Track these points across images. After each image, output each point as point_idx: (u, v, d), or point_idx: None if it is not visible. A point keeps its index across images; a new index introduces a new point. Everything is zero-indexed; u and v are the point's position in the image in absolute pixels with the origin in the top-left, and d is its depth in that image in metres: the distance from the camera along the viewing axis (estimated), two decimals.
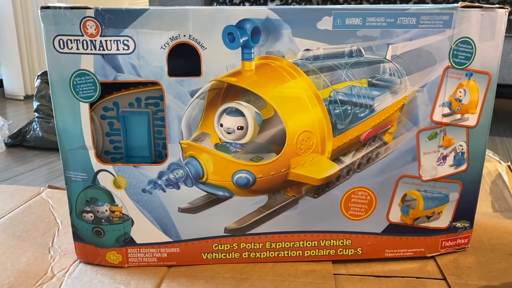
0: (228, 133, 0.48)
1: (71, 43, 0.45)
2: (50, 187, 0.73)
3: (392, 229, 0.55)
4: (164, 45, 0.45)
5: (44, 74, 1.04)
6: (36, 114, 1.01)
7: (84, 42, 0.45)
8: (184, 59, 0.46)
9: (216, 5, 1.40)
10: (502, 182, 0.77)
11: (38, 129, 0.99)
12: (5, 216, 0.63)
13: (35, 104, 1.02)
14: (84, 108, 0.47)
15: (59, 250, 0.56)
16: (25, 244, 0.57)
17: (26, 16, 1.67)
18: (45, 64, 1.69)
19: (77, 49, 0.46)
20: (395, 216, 0.54)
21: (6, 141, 1.03)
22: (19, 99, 1.70)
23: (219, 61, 0.46)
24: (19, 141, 1.02)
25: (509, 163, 0.80)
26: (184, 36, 0.45)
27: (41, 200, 0.69)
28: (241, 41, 0.45)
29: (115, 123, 0.50)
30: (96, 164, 0.49)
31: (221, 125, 0.48)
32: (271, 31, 0.46)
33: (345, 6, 0.47)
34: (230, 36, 0.45)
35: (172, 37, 0.45)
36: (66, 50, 0.46)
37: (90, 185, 0.50)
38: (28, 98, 1.72)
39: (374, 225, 0.54)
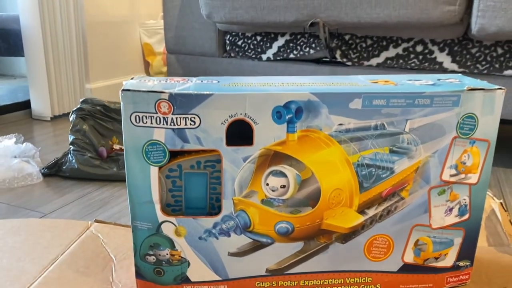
0: (273, 190, 0.58)
1: (146, 118, 0.55)
2: (97, 221, 0.81)
3: (406, 268, 0.64)
4: (224, 121, 0.55)
5: (79, 110, 1.13)
6: (72, 147, 1.09)
7: (158, 118, 0.54)
8: (239, 132, 0.56)
9: (230, 46, 1.49)
10: (495, 218, 0.87)
11: (74, 161, 1.08)
12: (66, 252, 0.72)
13: (70, 138, 1.10)
14: (154, 170, 0.57)
15: (119, 285, 0.65)
16: (90, 280, 0.65)
17: (55, 35, 1.72)
18: (75, 94, 1.76)
19: (151, 123, 0.55)
20: (409, 257, 0.64)
21: (42, 171, 1.11)
22: (46, 119, 1.76)
23: (268, 134, 0.56)
24: (55, 171, 1.11)
25: (501, 201, 0.91)
26: (241, 114, 0.55)
27: (92, 235, 0.77)
28: (287, 118, 0.55)
29: (177, 181, 0.59)
30: (161, 216, 0.58)
31: (267, 184, 0.58)
32: (311, 110, 0.55)
33: (373, 89, 0.57)
34: (278, 114, 0.55)
35: (231, 114, 0.55)
36: (141, 124, 0.55)
37: (154, 233, 0.59)
38: (55, 118, 1.79)
39: (391, 265, 0.64)
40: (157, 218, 0.59)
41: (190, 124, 0.55)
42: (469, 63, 1.21)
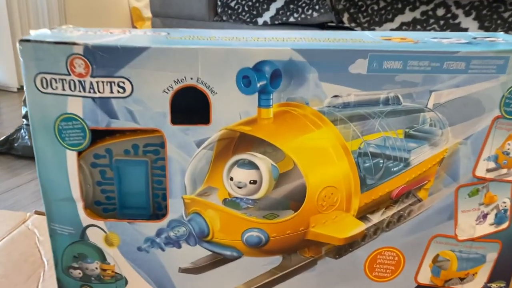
0: (239, 187, 0.42)
1: (56, 82, 0.38)
2: (37, 212, 0.66)
3: None
4: (167, 89, 0.38)
5: None
6: (25, 121, 0.93)
7: (71, 82, 0.38)
8: (190, 105, 0.39)
9: (222, 8, 1.31)
10: None
11: (26, 137, 0.92)
12: None
13: (24, 110, 0.94)
14: (71, 156, 0.40)
15: None
16: None
17: (21, 2, 1.56)
18: None
19: (63, 89, 0.38)
20: (425, 277, 0.48)
21: None
22: (12, 91, 1.61)
23: (231, 108, 0.39)
24: (6, 149, 0.95)
25: None
26: (191, 79, 0.38)
27: (26, 230, 0.62)
28: (258, 85, 0.38)
29: (107, 172, 0.43)
30: (85, 219, 0.42)
31: (231, 179, 0.41)
32: (294, 74, 0.38)
33: (384, 46, 0.40)
34: (245, 79, 0.38)
35: (177, 79, 0.38)
36: (49, 90, 0.38)
37: (78, 240, 0.43)
38: (22, 89, 1.64)
39: (401, 287, 0.48)
40: (81, 221, 0.43)
41: (118, 91, 0.38)
42: (500, 30, 1.03)
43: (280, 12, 1.22)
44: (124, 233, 0.43)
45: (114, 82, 0.38)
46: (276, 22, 1.24)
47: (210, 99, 0.39)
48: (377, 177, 0.43)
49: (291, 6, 1.20)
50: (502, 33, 0.50)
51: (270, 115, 0.40)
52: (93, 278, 0.45)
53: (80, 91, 0.38)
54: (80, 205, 0.42)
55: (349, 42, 0.41)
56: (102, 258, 0.44)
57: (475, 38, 0.46)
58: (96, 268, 0.44)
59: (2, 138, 0.97)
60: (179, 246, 0.43)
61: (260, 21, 1.26)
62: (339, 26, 1.21)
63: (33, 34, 0.40)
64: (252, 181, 0.41)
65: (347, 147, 0.41)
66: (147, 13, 2.05)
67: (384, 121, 0.41)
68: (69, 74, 0.38)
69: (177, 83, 0.38)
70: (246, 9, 1.27)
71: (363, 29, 1.14)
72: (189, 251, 0.44)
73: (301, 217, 0.43)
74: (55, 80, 0.38)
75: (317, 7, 1.15)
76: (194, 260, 0.44)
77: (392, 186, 0.44)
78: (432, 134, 0.42)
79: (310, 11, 1.16)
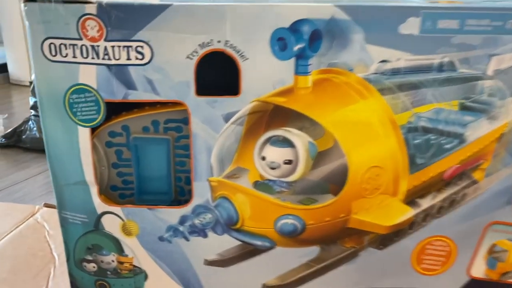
0: (272, 168, 0.37)
1: (66, 48, 0.34)
2: (46, 205, 0.62)
3: (474, 285, 0.43)
4: (192, 54, 0.33)
5: None
6: (33, 112, 0.89)
7: (84, 48, 0.33)
8: (217, 73, 0.34)
9: None
10: None
11: (34, 128, 0.88)
12: None
13: (31, 100, 0.90)
14: (84, 133, 0.36)
15: None
16: None
17: None
18: None
19: (74, 57, 0.34)
20: (479, 270, 0.42)
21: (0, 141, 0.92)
22: (25, 84, 1.57)
23: (264, 76, 0.34)
24: (13, 142, 0.91)
25: None
26: (219, 42, 0.33)
27: (35, 224, 0.58)
28: (295, 49, 0.33)
29: (124, 152, 0.38)
30: (100, 205, 0.38)
31: (263, 158, 0.37)
32: (336, 36, 0.34)
33: (438, 3, 0.35)
34: (280, 42, 0.33)
35: (203, 43, 0.33)
36: (59, 57, 0.34)
37: (92, 230, 0.39)
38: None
39: (452, 280, 0.43)
40: (95, 208, 0.38)
41: (136, 57, 0.34)
42: None
43: None
44: (144, 221, 0.38)
45: (131, 47, 0.33)
46: None
47: (239, 65, 0.34)
48: (428, 155, 0.38)
49: None
50: None
51: (308, 84, 0.35)
52: (109, 272, 0.40)
53: (93, 58, 0.34)
54: (94, 190, 0.38)
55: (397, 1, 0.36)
56: (119, 249, 0.39)
57: None
58: (113, 261, 0.40)
59: (9, 131, 0.93)
60: (205, 235, 0.39)
61: None
62: None
63: None
64: (287, 161, 0.37)
65: (395, 121, 0.36)
66: None
67: (438, 90, 0.36)
68: (81, 39, 0.33)
69: (203, 48, 0.33)
70: None
71: None
72: (216, 241, 0.39)
73: (342, 202, 0.38)
74: (65, 45, 0.34)
75: None
76: (221, 251, 0.40)
77: (444, 166, 0.38)
78: (491, 106, 0.37)
79: None
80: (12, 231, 0.56)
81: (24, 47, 1.55)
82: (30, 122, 0.90)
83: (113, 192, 0.40)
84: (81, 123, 0.35)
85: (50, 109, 0.36)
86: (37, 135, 0.89)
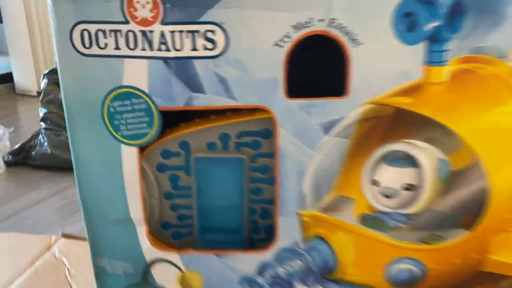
0: (387, 196, 0.27)
1: (105, 37, 0.24)
2: (64, 235, 0.52)
3: None
4: (282, 40, 0.24)
5: (53, 72, 0.84)
6: (43, 125, 0.80)
7: (130, 35, 0.24)
8: (316, 66, 0.25)
9: None
10: None
11: (46, 143, 0.79)
12: None
13: (42, 112, 0.82)
14: (130, 154, 0.26)
15: None
16: None
17: (37, 3, 1.46)
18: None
19: (117, 48, 0.24)
20: None
21: (6, 158, 0.83)
22: (32, 95, 1.50)
23: (382, 68, 0.24)
24: (22, 159, 0.82)
25: None
26: (321, 21, 0.23)
27: (53, 260, 0.48)
28: (429, 27, 0.23)
29: (181, 177, 0.28)
30: (150, 250, 0.28)
31: (376, 183, 0.27)
32: (484, 9, 0.24)
33: None
34: (407, 19, 0.23)
35: (298, 23, 0.23)
36: (95, 50, 0.24)
37: (139, 283, 0.29)
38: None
39: None
40: (143, 254, 0.29)
41: (205, 47, 0.24)
42: None
43: None
44: (209, 271, 0.28)
45: (198, 32, 0.24)
46: None
47: (349, 54, 0.24)
48: None
49: None
50: None
51: (444, 78, 0.25)
52: None
53: (144, 49, 0.24)
54: (141, 230, 0.28)
55: None
56: None
57: None
58: None
59: (16, 146, 0.84)
60: None
61: None
62: None
63: None
64: (408, 186, 0.27)
65: None
66: None
67: None
68: (127, 22, 0.24)
69: (298, 30, 0.24)
70: None
71: None
72: None
73: (477, 238, 0.28)
74: (104, 32, 0.24)
75: None
76: None
77: None
78: None
79: None
80: (26, 270, 0.47)
81: (31, 58, 1.49)
82: (40, 137, 0.81)
83: (165, 231, 0.30)
84: (126, 140, 0.26)
85: (82, 122, 0.26)
86: (49, 151, 0.80)
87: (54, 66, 0.87)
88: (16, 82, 1.53)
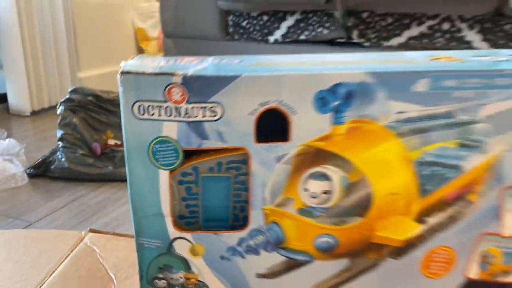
0: (313, 197, 0.46)
1: (153, 109, 0.42)
2: (92, 231, 0.69)
3: (470, 285, 0.53)
4: (253, 111, 0.43)
5: (68, 101, 1.00)
6: (61, 144, 0.96)
7: (168, 108, 0.42)
8: (272, 125, 0.44)
9: (233, 28, 1.35)
10: None
11: (63, 159, 0.95)
12: (56, 272, 0.60)
13: (59, 133, 0.97)
14: (164, 176, 0.44)
15: None
16: None
17: (32, 25, 1.56)
18: (61, 85, 1.57)
19: (159, 116, 0.42)
20: (474, 272, 0.52)
21: (28, 171, 0.98)
22: (25, 115, 1.61)
23: (308, 126, 0.44)
24: (42, 172, 0.98)
25: None
26: (275, 101, 0.42)
27: (86, 248, 0.65)
28: (333, 105, 0.43)
29: (193, 188, 0.47)
30: (173, 232, 0.46)
31: (306, 190, 0.46)
32: (365, 94, 0.43)
33: (440, 66, 0.45)
34: (321, 100, 0.43)
35: (262, 102, 0.42)
36: (146, 116, 0.43)
37: (165, 253, 0.47)
38: (34, 114, 1.63)
39: (452, 282, 0.52)
40: (169, 234, 0.47)
41: (210, 115, 0.43)
42: (501, 42, 1.09)
43: (291, 30, 1.27)
44: (209, 244, 0.47)
45: (207, 107, 0.42)
46: (287, 40, 1.29)
47: (290, 118, 0.43)
48: (434, 183, 0.48)
49: (302, 24, 1.25)
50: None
51: (343, 131, 0.44)
52: (176, 287, 0.49)
53: (175, 117, 0.42)
54: (168, 220, 0.46)
55: (408, 63, 0.46)
56: (187, 267, 0.48)
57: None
58: (181, 278, 0.48)
59: (38, 161, 0.99)
60: (258, 253, 0.48)
61: (271, 39, 1.31)
62: (348, 42, 1.27)
63: (124, 64, 0.44)
64: (324, 191, 0.46)
65: (408, 158, 0.46)
66: (152, 33, 2.10)
67: (441, 133, 0.46)
68: (166, 101, 0.42)
69: (262, 106, 0.43)
70: (258, 28, 1.31)
71: (371, 44, 1.19)
72: (266, 258, 0.48)
73: (367, 222, 0.47)
74: (152, 107, 0.42)
75: (327, 24, 1.20)
76: (270, 265, 0.49)
77: (447, 191, 0.48)
78: (483, 143, 0.47)
79: (320, 29, 1.21)
80: (68, 255, 0.64)
81: (25, 80, 1.58)
82: (58, 153, 0.97)
83: (181, 221, 0.48)
84: (162, 167, 0.44)
85: (136, 156, 0.44)
86: (66, 165, 0.95)
87: (68, 96, 1.02)
88: (11, 103, 1.60)
